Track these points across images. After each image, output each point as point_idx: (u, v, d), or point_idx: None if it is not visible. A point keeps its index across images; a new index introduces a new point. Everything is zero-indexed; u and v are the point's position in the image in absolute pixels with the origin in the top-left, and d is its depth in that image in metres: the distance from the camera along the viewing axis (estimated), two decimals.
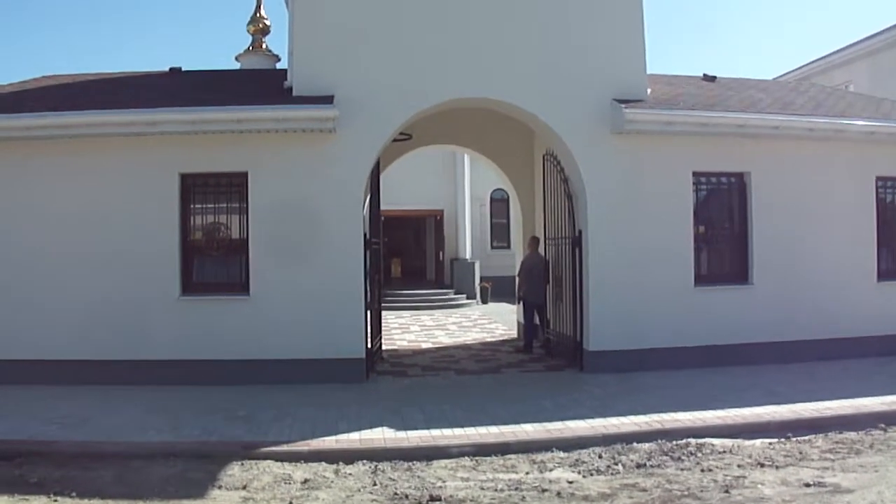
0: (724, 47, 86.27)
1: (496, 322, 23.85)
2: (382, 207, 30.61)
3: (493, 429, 10.11)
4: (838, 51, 28.57)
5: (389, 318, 24.84)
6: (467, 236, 32.81)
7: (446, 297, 30.56)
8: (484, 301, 31.24)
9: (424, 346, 18.65)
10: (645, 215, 14.17)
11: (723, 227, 15.14)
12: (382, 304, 27.72)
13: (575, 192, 14.48)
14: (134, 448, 9.52)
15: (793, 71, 30.33)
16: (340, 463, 9.13)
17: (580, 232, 14.31)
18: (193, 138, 13.32)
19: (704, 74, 18.43)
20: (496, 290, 30.78)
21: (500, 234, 34.04)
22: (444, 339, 19.82)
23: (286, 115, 13.04)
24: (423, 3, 13.93)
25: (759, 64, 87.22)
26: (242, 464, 9.04)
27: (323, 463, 9.14)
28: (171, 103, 13.69)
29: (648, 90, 14.58)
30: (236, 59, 33.76)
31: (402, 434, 9.99)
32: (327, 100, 13.16)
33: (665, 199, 14.29)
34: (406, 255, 38.42)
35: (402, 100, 13.70)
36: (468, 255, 32.61)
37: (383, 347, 17.03)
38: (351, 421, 10.65)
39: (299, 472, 8.81)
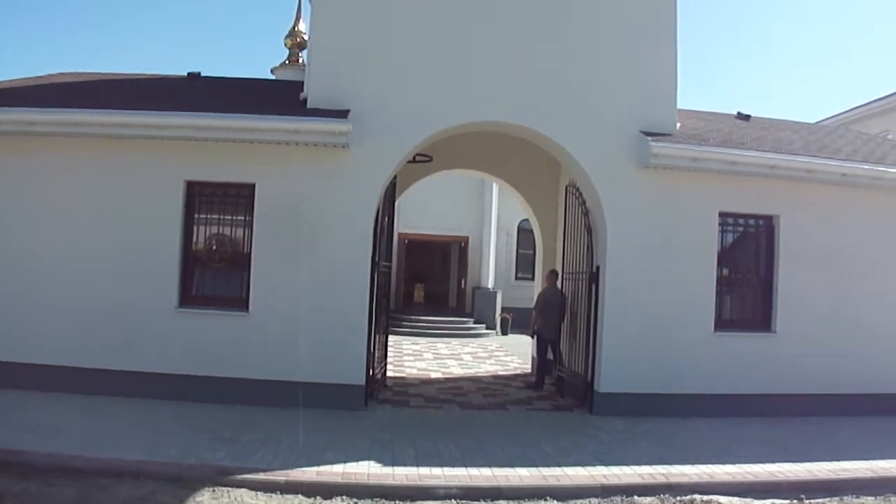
0: (763, 92, 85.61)
1: (512, 355, 23.22)
2: (407, 230, 30.84)
3: (486, 471, 9.51)
4: (877, 100, 27.95)
5: (404, 344, 24.64)
6: (491, 265, 32.22)
7: (465, 325, 29.94)
8: (504, 332, 30.61)
9: (434, 375, 18.06)
10: (667, 254, 13.57)
11: (748, 271, 14.43)
12: (399, 330, 27.67)
13: (595, 226, 13.94)
14: (105, 464, 9.04)
15: (830, 118, 29.66)
16: (318, 497, 8.65)
17: (598, 267, 13.76)
18: (202, 145, 12.92)
19: (738, 112, 17.85)
20: (518, 321, 30.09)
21: (525, 264, 33.29)
22: (455, 370, 19.20)
23: (297, 126, 12.55)
24: (447, 24, 13.47)
25: (796, 111, 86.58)
26: (214, 490, 8.58)
27: (299, 496, 8.68)
28: (181, 107, 13.28)
29: (678, 125, 14.04)
30: (272, 71, 33.78)
31: (388, 470, 9.41)
32: (342, 114, 12.70)
33: (689, 238, 13.69)
34: (431, 280, 37.98)
35: (420, 119, 13.23)
36: (491, 285, 31.99)
37: (391, 374, 16.60)
38: (338, 451, 10.10)
39: None
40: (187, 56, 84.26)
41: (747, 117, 17.60)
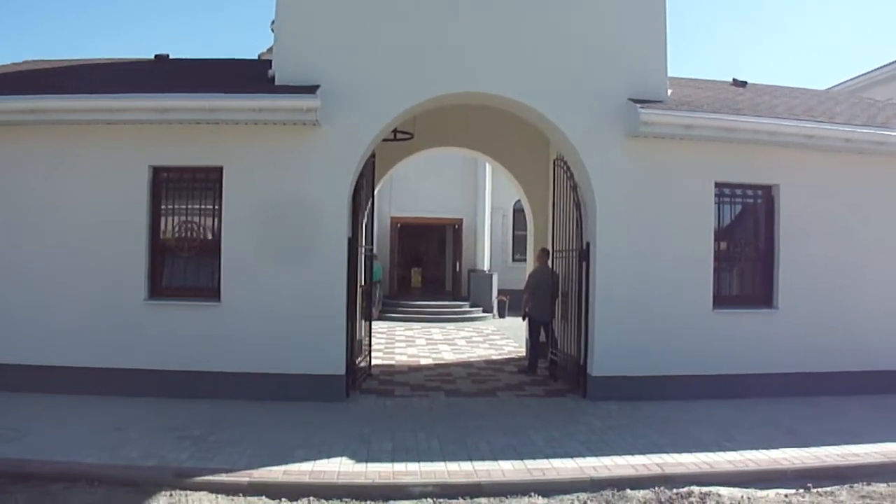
0: (760, 62, 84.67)
1: (508, 338, 22.62)
2: (400, 214, 30.18)
3: (467, 465, 8.83)
4: (882, 66, 27.12)
5: (398, 330, 24.22)
6: (486, 247, 31.65)
7: (461, 309, 29.37)
8: (501, 315, 30.04)
9: (424, 361, 17.39)
10: (661, 228, 12.87)
11: (746, 244, 13.72)
12: (393, 315, 27.15)
13: (584, 200, 13.24)
14: (61, 469, 8.42)
15: (832, 87, 28.86)
16: (283, 499, 8.00)
17: (588, 244, 13.06)
18: (166, 129, 12.26)
19: (734, 79, 17.09)
20: (515, 303, 29.28)
21: (522, 246, 32.48)
22: (447, 355, 18.57)
23: (263, 104, 11.85)
24: None
25: (796, 81, 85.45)
26: (171, 495, 7.95)
27: (263, 498, 8.03)
28: (142, 89, 12.57)
29: (669, 91, 13.29)
30: (259, 56, 33.01)
31: (360, 467, 8.73)
32: (310, 90, 11.98)
33: (683, 210, 12.98)
34: (427, 264, 37.43)
35: (395, 93, 12.49)
36: (486, 267, 31.39)
37: (380, 362, 16.12)
38: (311, 448, 9.43)
39: None
40: (173, 42, 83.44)
41: (744, 84, 16.85)
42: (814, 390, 12.97)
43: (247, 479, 8.26)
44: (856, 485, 8.56)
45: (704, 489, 8.28)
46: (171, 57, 16.31)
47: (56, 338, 12.25)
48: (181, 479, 8.23)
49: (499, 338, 23.02)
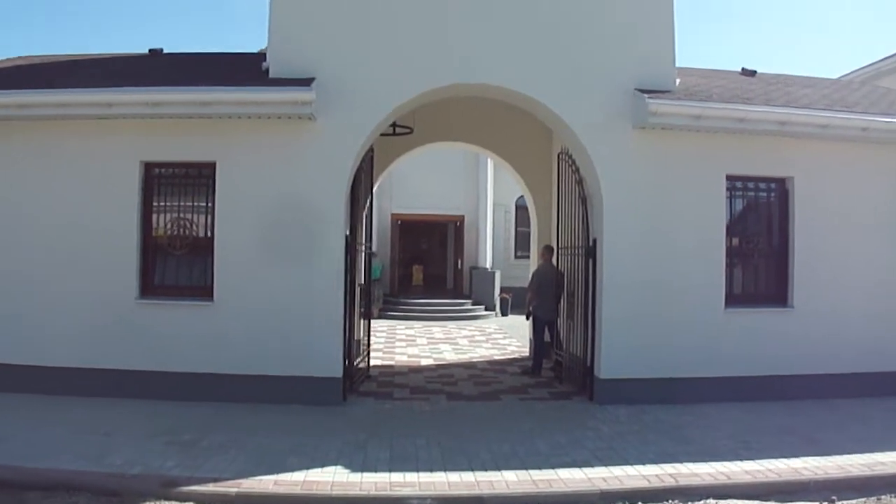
0: (767, 50, 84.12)
1: (511, 337, 22.15)
2: (401, 211, 29.76)
3: (468, 476, 8.35)
4: (890, 56, 26.51)
5: (398, 329, 23.80)
6: (488, 244, 31.30)
7: (462, 307, 28.95)
8: (503, 313, 29.62)
9: (424, 362, 16.93)
10: (670, 224, 12.40)
11: (760, 239, 13.20)
12: (394, 314, 26.74)
13: (590, 195, 12.77)
14: (38, 476, 8.01)
15: (843, 76, 28.28)
16: None
17: (594, 241, 12.59)
18: (158, 123, 11.87)
19: (743, 68, 16.58)
20: (518, 301, 28.95)
21: (525, 243, 32.21)
22: (448, 356, 18.11)
23: (256, 97, 11.44)
24: None
25: (806, 70, 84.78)
26: None
27: None
28: (134, 83, 12.12)
29: (677, 81, 12.79)
30: (259, 52, 32.56)
31: (355, 477, 8.26)
32: (305, 82, 11.54)
33: (693, 205, 12.50)
34: (429, 262, 37.02)
35: (392, 85, 12.03)
36: (488, 264, 31.02)
37: (379, 363, 15.73)
38: (304, 455, 8.98)
39: None
40: (170, 41, 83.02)
41: (753, 73, 16.33)
42: (831, 393, 12.50)
43: (235, 489, 7.83)
44: (883, 497, 8.10)
45: (722, 502, 7.83)
46: (165, 52, 15.84)
47: (43, 337, 11.91)
48: (167, 489, 7.81)
49: (501, 336, 22.57)
